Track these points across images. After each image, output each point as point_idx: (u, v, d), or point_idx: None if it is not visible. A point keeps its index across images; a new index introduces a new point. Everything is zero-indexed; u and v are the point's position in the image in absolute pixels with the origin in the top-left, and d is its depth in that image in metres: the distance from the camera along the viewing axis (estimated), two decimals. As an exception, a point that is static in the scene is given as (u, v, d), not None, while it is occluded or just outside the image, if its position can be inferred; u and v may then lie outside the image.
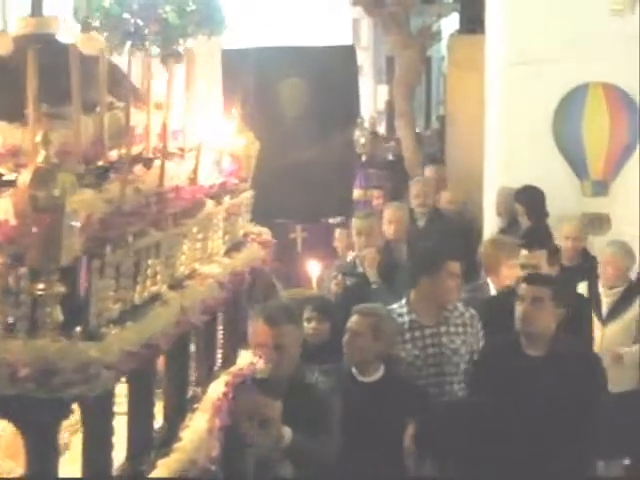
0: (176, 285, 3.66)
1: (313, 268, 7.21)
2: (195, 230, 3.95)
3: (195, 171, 4.07)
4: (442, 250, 5.98)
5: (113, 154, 3.52)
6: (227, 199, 4.43)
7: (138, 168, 3.61)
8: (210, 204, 4.13)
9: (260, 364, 4.42)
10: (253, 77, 8.93)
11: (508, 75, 9.32)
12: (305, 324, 5.72)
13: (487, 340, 5.76)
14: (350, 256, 7.62)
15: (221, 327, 4.53)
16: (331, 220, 8.66)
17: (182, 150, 4.07)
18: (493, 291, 6.59)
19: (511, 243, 6.68)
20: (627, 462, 5.77)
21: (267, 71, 9.01)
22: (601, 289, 6.85)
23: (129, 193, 3.35)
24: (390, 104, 15.50)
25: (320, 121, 9.03)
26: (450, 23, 17.27)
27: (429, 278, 5.64)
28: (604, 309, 6.71)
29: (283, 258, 7.71)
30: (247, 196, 4.80)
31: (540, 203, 8.71)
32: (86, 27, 4.12)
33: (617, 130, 8.95)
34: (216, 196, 4.26)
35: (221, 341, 4.58)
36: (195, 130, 4.08)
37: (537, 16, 9.05)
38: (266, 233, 5.08)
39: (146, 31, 7.35)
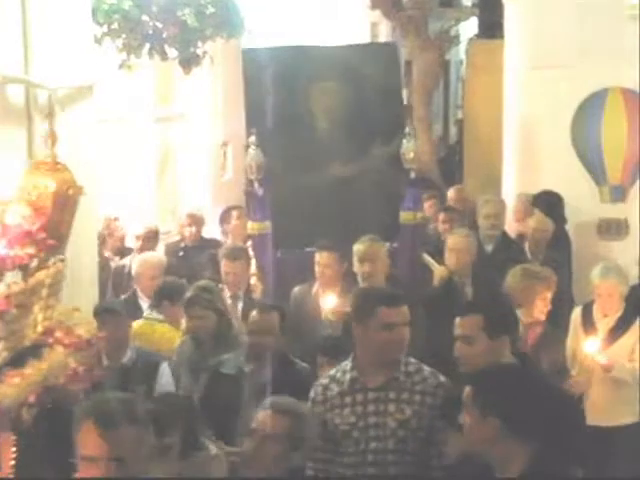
0: None
1: (328, 301, 6.47)
2: None
3: None
4: (379, 293, 4.60)
5: None
6: (4, 285, 2.88)
7: None
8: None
9: None
10: (279, 80, 7.83)
11: (527, 80, 9.32)
12: None
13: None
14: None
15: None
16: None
17: None
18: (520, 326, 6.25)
19: (546, 272, 6.41)
20: None
21: (296, 73, 7.88)
22: (595, 315, 6.42)
23: None
24: (408, 108, 15.51)
25: (359, 132, 7.79)
26: (469, 27, 17.33)
27: (359, 326, 4.35)
28: (600, 334, 6.40)
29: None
30: (56, 270, 3.15)
31: (558, 208, 8.69)
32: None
33: (635, 135, 8.93)
34: None
35: None
36: None
37: (555, 21, 9.05)
38: (87, 326, 3.43)
39: (165, 34, 7.35)
